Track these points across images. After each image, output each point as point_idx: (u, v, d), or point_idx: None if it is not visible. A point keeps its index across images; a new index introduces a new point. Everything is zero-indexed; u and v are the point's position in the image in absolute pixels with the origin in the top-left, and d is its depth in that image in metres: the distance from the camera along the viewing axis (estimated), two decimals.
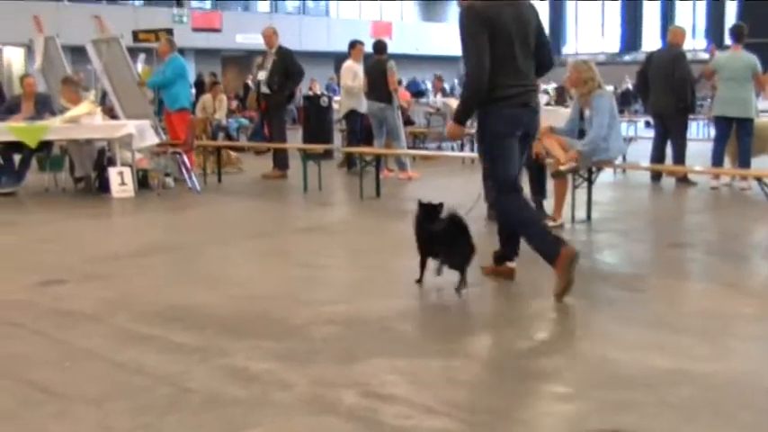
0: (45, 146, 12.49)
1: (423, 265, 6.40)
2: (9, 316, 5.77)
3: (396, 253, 7.87)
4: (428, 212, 6.36)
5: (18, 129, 12.00)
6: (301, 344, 5.04)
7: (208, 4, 41.82)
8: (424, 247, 6.38)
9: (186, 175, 12.62)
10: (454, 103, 21.87)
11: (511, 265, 6.66)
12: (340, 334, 5.26)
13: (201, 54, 37.39)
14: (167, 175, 12.79)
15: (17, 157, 12.56)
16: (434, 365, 4.65)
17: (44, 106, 13.00)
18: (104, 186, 12.03)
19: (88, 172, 12.75)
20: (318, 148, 13.72)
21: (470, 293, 6.14)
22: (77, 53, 20.54)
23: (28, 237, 9.11)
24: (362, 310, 5.83)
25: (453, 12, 52.35)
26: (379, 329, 5.33)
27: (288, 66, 14.12)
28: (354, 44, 14.89)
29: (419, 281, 6.41)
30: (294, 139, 16.90)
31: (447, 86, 29.45)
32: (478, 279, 6.53)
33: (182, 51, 14.36)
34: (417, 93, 27.00)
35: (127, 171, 11.88)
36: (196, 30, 37.52)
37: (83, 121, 12.08)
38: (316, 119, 17.32)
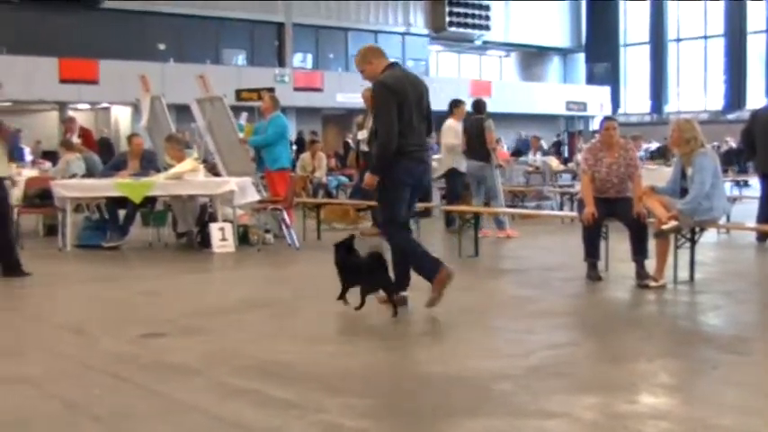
0: (149, 201, 12.80)
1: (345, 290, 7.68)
2: (113, 368, 5.87)
3: (493, 312, 7.81)
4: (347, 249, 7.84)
5: (124, 185, 12.32)
6: (395, 401, 5.03)
7: (309, 64, 42.54)
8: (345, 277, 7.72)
9: (286, 232, 12.77)
10: (554, 162, 21.88)
11: (404, 294, 7.81)
12: (434, 392, 5.23)
13: (302, 113, 37.92)
14: (267, 231, 12.96)
15: (122, 213, 12.87)
16: (531, 426, 4.59)
17: (149, 163, 13.34)
18: (206, 242, 12.24)
19: (190, 227, 12.99)
20: (418, 206, 13.75)
21: (569, 355, 6.06)
22: (182, 111, 21.05)
23: (131, 290, 9.30)
24: (458, 368, 5.79)
25: (553, 71, 52.57)
26: (474, 389, 5.29)
27: None
28: (458, 103, 14.94)
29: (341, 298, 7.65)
30: None
31: (545, 144, 29.35)
32: (577, 340, 6.44)
33: (283, 110, 14.54)
34: (516, 152, 26.96)
35: (228, 227, 12.08)
36: (297, 89, 38.14)
37: (186, 177, 12.36)
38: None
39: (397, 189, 7.68)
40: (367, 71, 7.83)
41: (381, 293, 7.63)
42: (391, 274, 7.63)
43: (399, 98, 7.48)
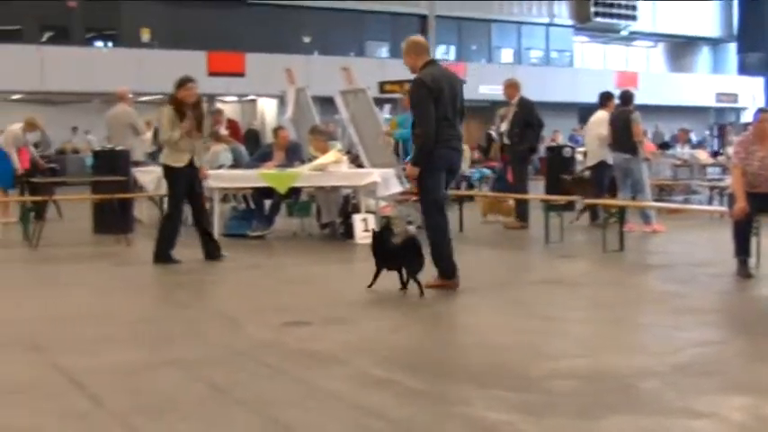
0: (294, 192, 13.02)
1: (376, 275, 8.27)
2: (258, 354, 6.00)
3: (639, 308, 7.66)
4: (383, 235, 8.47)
5: (269, 175, 12.56)
6: (540, 396, 4.97)
7: (452, 56, 42.51)
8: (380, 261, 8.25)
9: None
10: (703, 155, 21.28)
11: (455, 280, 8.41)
12: (579, 389, 5.15)
13: None
14: (410, 222, 13.00)
15: (268, 203, 13.13)
16: (678, 425, 4.48)
17: (294, 154, 13.56)
18: (349, 232, 12.37)
19: (333, 218, 13.16)
20: (561, 199, 13.59)
21: (717, 353, 5.89)
22: (326, 103, 21.32)
23: (275, 279, 9.47)
24: (603, 365, 5.70)
25: (703, 61, 51.08)
26: (620, 386, 5.18)
27: (527, 117, 14.12)
28: (610, 96, 14.69)
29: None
30: (536, 191, 16.80)
31: (694, 138, 28.57)
32: (726, 338, 6.26)
33: None
34: (663, 144, 26.30)
35: (371, 218, 12.19)
36: None
37: (330, 169, 12.51)
38: (558, 170, 17.17)
39: (435, 175, 8.39)
40: (409, 65, 8.60)
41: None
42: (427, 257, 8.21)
43: (435, 94, 8.22)
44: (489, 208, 15.15)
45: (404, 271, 8.10)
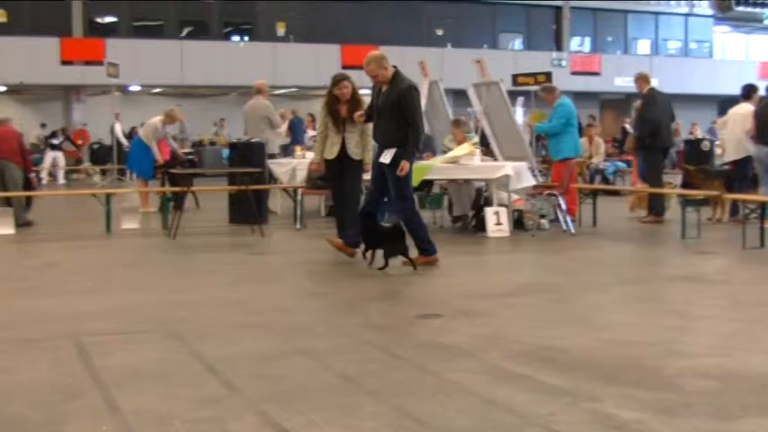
0: (426, 185, 13.02)
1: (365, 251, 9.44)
2: (388, 346, 6.01)
3: None
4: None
5: None
6: (674, 395, 4.83)
7: (587, 48, 41.92)
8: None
9: (561, 217, 12.64)
10: None
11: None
12: (715, 388, 4.98)
13: (580, 97, 37.43)
14: (542, 216, 12.87)
15: None
16: None
17: (426, 147, 13.56)
18: (481, 225, 12.32)
19: (465, 211, 13.12)
20: (698, 194, 13.22)
21: None
22: (459, 96, 21.28)
23: (406, 270, 9.46)
24: (740, 364, 5.51)
25: None
26: (759, 386, 5.00)
27: (644, 110, 13.84)
28: (755, 88, 14.25)
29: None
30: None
31: None
32: None
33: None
34: None
35: (503, 211, 12.10)
36: (575, 73, 37.69)
37: (462, 161, 12.47)
38: (696, 164, 16.70)
39: (410, 171, 9.54)
40: (380, 76, 9.43)
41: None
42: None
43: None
44: (638, 202, 14.85)
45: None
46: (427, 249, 9.57)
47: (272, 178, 15.14)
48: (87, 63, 30.12)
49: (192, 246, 11.67)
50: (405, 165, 9.24)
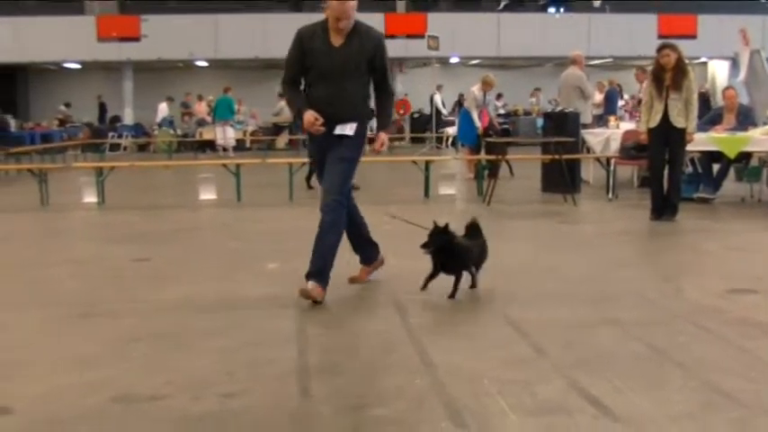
0: (743, 157, 12.42)
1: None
2: (698, 319, 5.82)
3: None
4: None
5: (719, 139, 12.09)
6: None
7: None
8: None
9: None
10: None
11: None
12: None
13: None
14: None
15: (715, 167, 12.64)
16: None
17: (746, 118, 12.92)
18: None
19: None
20: None
21: None
22: None
23: (720, 244, 9.10)
24: None
25: None
26: None
27: None
28: None
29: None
30: None
31: None
32: None
33: None
34: None
35: None
36: None
37: None
38: None
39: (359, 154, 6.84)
40: (350, 20, 6.55)
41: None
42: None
43: None
44: None
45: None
46: (370, 257, 7.30)
47: (585, 148, 14.98)
48: (409, 36, 30.87)
49: (504, 212, 11.77)
50: (385, 138, 6.73)
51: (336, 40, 6.48)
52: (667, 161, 10.42)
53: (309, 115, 6.37)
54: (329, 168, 6.54)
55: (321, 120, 6.36)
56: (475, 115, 16.61)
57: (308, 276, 6.39)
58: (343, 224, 6.63)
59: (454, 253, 6.48)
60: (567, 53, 16.40)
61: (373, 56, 6.54)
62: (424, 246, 6.37)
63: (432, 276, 6.54)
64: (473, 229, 6.78)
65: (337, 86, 6.46)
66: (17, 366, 5.04)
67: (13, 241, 10.26)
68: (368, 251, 7.22)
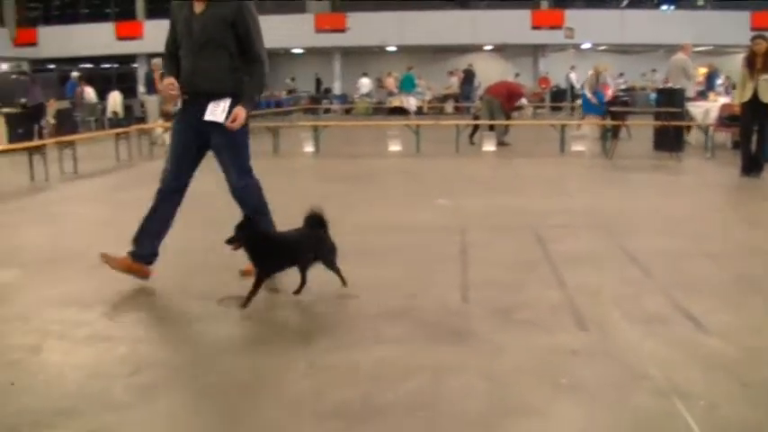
0: None
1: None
2: None
3: None
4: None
5: None
6: None
7: None
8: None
9: None
10: None
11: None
12: None
13: None
14: None
15: None
16: None
17: None
18: None
19: None
20: None
21: None
22: None
23: None
24: None
25: None
26: None
27: None
28: None
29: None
30: None
31: None
32: None
33: None
34: None
35: None
36: None
37: None
38: None
39: (247, 129, 4.74)
40: None
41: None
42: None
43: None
44: None
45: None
46: (143, 255, 4.79)
47: (688, 116, 14.28)
48: (551, 28, 30.39)
49: (623, 166, 11.39)
50: (241, 113, 4.52)
51: (198, 7, 4.59)
52: (756, 129, 9.89)
53: (166, 81, 4.61)
54: (221, 161, 4.71)
55: (176, 86, 4.57)
56: (588, 93, 16.50)
57: None
58: (253, 189, 4.84)
59: (268, 247, 4.43)
60: (675, 42, 15.62)
61: (233, 21, 4.52)
62: (229, 241, 4.31)
63: (258, 278, 4.38)
64: (312, 221, 4.57)
65: (196, 56, 4.57)
66: None
67: (261, 178, 10.67)
68: (146, 247, 4.74)
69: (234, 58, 4.57)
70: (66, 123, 17.09)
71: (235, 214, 4.71)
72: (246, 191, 4.79)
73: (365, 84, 29.91)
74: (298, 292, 4.57)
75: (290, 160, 12.78)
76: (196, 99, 4.61)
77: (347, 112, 29.59)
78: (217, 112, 4.55)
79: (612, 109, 15.23)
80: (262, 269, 4.39)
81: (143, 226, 4.73)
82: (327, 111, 29.79)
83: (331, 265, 4.61)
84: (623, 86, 27.87)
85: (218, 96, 4.57)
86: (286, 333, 4.00)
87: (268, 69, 4.66)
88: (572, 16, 30.29)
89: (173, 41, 4.72)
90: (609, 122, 14.10)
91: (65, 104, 19.68)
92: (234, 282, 4.80)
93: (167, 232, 4.78)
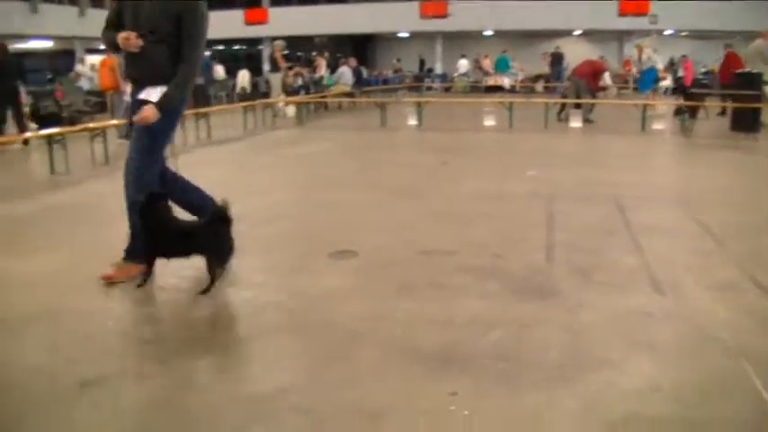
0: None
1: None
2: None
3: None
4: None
5: None
6: None
7: None
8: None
9: None
10: None
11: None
12: None
13: None
14: None
15: None
16: None
17: None
18: None
19: None
20: None
21: None
22: None
23: None
24: None
25: None
26: None
27: None
28: None
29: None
30: None
31: None
32: None
33: None
34: None
35: None
36: None
37: None
38: None
39: (171, 125, 4.11)
40: None
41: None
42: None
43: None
44: None
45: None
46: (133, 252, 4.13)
47: (764, 98, 13.40)
48: (637, 15, 29.29)
49: (699, 144, 10.84)
50: (149, 112, 3.93)
51: None
52: None
53: (124, 32, 3.99)
54: (133, 134, 4.12)
55: (134, 34, 3.94)
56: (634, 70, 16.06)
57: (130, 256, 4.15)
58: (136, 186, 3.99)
59: (159, 228, 3.84)
60: (751, 29, 14.62)
61: (179, 18, 3.93)
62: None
63: (150, 256, 3.93)
64: (214, 215, 3.92)
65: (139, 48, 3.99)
66: (360, 227, 5.36)
67: (369, 149, 10.76)
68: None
69: (174, 50, 3.96)
70: (201, 98, 17.63)
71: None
72: (130, 168, 4.04)
73: (463, 65, 29.50)
74: (204, 291, 3.80)
75: (396, 132, 12.77)
76: (138, 85, 4.10)
77: (447, 90, 29.27)
78: (151, 93, 3.99)
79: (692, 91, 14.51)
80: (146, 248, 3.89)
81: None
82: (429, 88, 29.59)
83: (210, 265, 3.80)
84: (703, 70, 26.52)
85: (154, 84, 3.99)
86: (390, 284, 4.04)
87: (195, 71, 4.03)
88: (657, 4, 29.06)
89: (111, 20, 4.13)
90: (689, 103, 13.42)
91: (199, 81, 20.31)
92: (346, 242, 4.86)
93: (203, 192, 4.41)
